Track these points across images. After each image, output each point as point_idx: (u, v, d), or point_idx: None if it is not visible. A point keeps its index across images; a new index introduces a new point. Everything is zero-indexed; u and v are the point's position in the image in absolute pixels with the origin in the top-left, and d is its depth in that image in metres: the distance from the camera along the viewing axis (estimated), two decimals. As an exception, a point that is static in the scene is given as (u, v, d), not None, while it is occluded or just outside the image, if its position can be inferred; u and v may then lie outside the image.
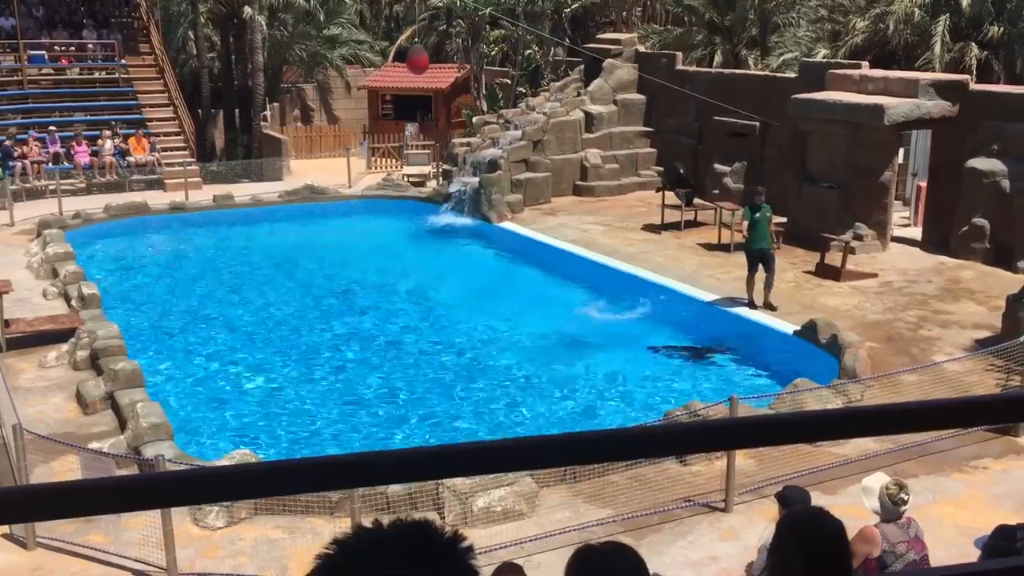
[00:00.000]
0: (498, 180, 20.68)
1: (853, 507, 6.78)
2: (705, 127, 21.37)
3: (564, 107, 22.26)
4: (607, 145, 22.48)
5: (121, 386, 10.90)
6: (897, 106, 16.02)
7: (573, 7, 31.06)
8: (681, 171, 19.65)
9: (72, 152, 24.55)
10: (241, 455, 9.08)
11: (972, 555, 5.24)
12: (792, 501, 5.60)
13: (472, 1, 27.96)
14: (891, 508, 5.59)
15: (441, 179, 24.13)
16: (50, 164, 24.06)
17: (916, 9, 22.48)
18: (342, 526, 7.87)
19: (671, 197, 19.07)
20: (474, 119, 25.74)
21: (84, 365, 12.11)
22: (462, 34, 30.69)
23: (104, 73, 28.12)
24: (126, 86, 27.76)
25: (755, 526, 7.96)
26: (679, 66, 22.55)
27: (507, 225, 20.11)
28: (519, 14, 28.00)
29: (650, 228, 18.90)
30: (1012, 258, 15.10)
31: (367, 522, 1.24)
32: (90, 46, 28.45)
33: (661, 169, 21.45)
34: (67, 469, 9.13)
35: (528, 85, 28.68)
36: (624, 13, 32.69)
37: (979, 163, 15.84)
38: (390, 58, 36.14)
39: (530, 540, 7.92)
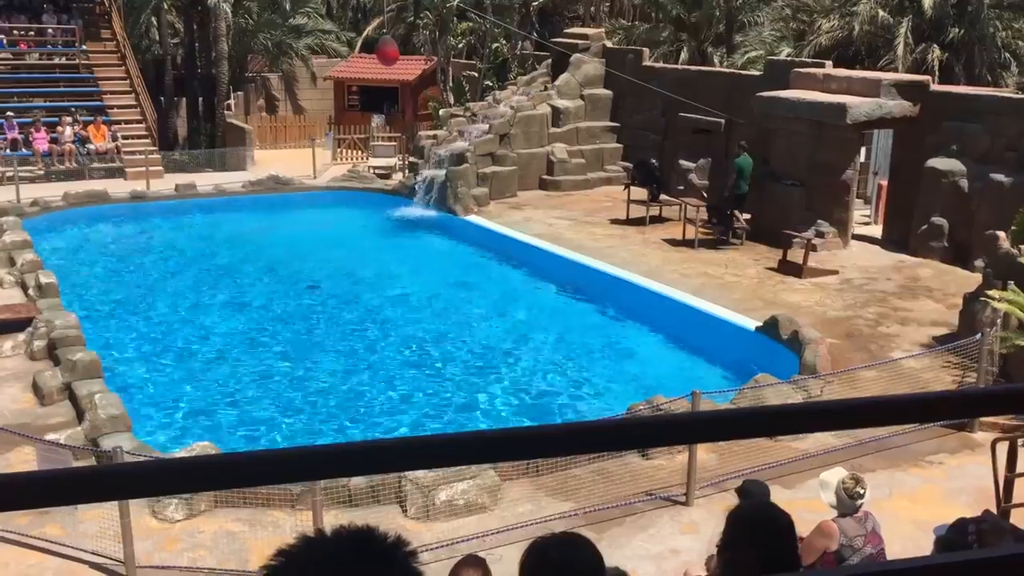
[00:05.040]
0: (464, 173, 20.63)
1: (811, 501, 6.86)
2: (671, 123, 21.47)
3: (531, 101, 22.26)
4: (573, 140, 22.52)
5: (79, 377, 10.75)
6: (859, 105, 16.21)
7: (541, 1, 31.02)
8: (654, 163, 19.64)
9: (30, 138, 24.11)
10: (202, 447, 9.00)
11: (927, 548, 5.32)
12: (752, 495, 5.65)
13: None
14: (848, 502, 5.66)
15: (407, 171, 24.03)
16: (8, 151, 23.63)
17: (880, 10, 22.74)
18: (303, 519, 7.83)
19: (636, 192, 19.14)
20: (441, 112, 25.65)
21: (41, 355, 11.92)
22: (429, 26, 30.56)
23: (64, 59, 27.65)
24: (86, 72, 27.31)
25: (716, 519, 8.03)
26: (646, 62, 22.63)
27: (473, 218, 20.07)
28: (487, 7, 27.91)
29: (615, 223, 18.96)
30: (969, 257, 15.33)
31: (309, 532, 1.24)
32: (50, 31, 27.94)
33: (629, 165, 21.48)
34: (23, 461, 8.99)
35: (495, 78, 28.62)
36: (592, 8, 32.71)
37: (938, 163, 16.07)
38: (357, 49, 35.90)
39: (492, 533, 7.93)
